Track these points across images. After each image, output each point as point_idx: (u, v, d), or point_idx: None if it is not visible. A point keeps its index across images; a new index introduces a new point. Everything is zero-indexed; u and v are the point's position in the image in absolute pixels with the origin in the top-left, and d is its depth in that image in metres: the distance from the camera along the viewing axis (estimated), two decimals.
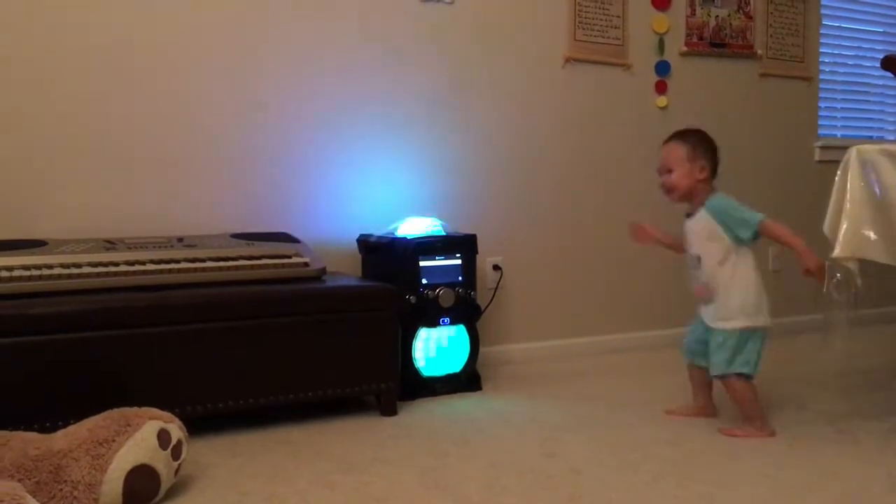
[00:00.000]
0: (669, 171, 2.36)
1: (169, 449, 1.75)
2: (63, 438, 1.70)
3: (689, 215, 2.39)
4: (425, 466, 2.02)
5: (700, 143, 2.38)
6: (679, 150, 2.36)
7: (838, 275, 2.18)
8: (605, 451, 2.13)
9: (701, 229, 2.34)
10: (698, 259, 2.34)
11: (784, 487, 1.88)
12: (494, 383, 2.86)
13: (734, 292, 2.31)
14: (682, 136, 2.40)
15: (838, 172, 2.28)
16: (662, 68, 3.59)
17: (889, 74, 3.82)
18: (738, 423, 2.32)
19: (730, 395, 2.34)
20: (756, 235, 2.29)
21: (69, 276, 2.16)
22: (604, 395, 2.72)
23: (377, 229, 2.90)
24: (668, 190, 2.37)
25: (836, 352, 3.01)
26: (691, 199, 2.37)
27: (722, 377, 2.32)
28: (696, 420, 2.42)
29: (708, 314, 2.35)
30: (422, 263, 2.70)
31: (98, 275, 2.19)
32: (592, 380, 2.95)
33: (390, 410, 2.48)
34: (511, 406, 2.56)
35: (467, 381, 2.79)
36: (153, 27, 2.66)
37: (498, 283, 3.17)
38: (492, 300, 3.13)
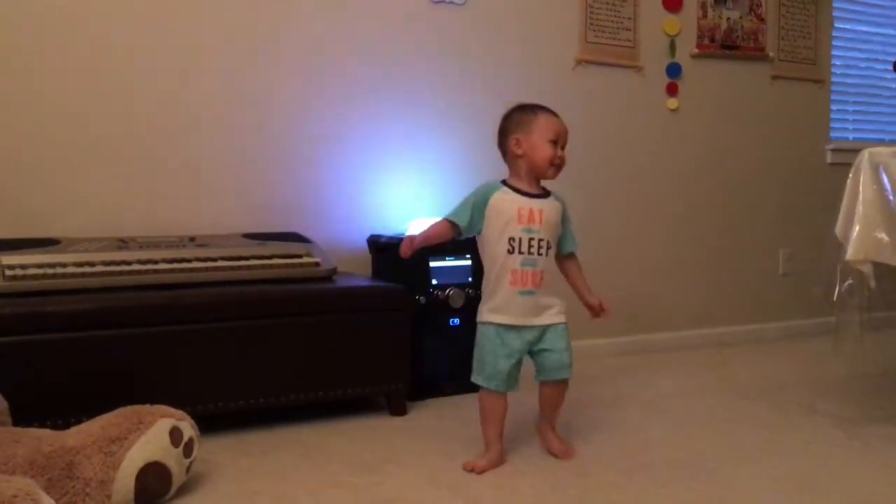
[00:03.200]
0: (563, 148, 2.11)
1: (181, 447, 1.76)
2: (76, 435, 1.71)
3: (526, 193, 2.08)
4: (436, 467, 2.02)
5: None
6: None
7: (850, 278, 2.17)
8: (614, 454, 2.13)
9: (553, 214, 2.10)
10: (547, 244, 2.06)
11: (794, 491, 1.87)
12: None
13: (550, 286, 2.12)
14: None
15: (850, 175, 2.27)
16: (673, 70, 3.59)
17: None
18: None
19: (560, 398, 2.16)
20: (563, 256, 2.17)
21: (82, 275, 2.17)
22: (614, 398, 2.72)
23: (388, 229, 2.92)
24: (561, 167, 2.11)
25: (848, 355, 3.00)
26: (536, 180, 2.13)
27: (566, 380, 2.13)
28: (705, 423, 2.42)
29: (548, 311, 2.08)
30: (432, 264, 2.71)
31: (111, 273, 2.21)
32: (602, 382, 2.95)
33: (400, 410, 2.48)
34: (520, 407, 2.55)
35: None
36: (166, 29, 2.67)
37: None
38: None
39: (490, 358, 2.05)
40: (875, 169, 2.21)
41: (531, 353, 2.10)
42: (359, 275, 2.80)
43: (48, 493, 1.45)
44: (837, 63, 4.13)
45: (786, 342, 3.75)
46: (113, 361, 2.08)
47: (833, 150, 4.04)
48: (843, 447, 2.20)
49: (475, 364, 2.09)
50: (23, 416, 1.85)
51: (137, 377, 2.09)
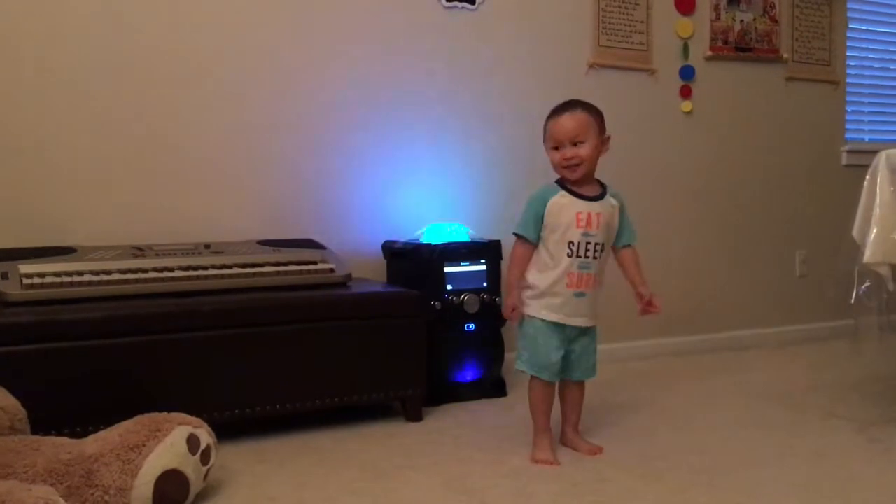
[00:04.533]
0: (576, 143, 2.08)
1: (198, 454, 1.76)
2: (94, 443, 1.71)
3: (583, 196, 2.11)
4: (452, 473, 2.02)
5: (601, 116, 2.15)
6: (589, 120, 2.10)
7: (868, 281, 2.16)
8: (631, 459, 2.12)
9: (608, 215, 2.12)
10: (602, 247, 2.11)
11: (814, 496, 1.85)
12: (519, 389, 2.85)
13: (601, 289, 2.18)
14: (586, 106, 2.13)
15: (867, 177, 2.26)
16: (687, 73, 3.58)
17: None
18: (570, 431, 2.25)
19: (582, 397, 2.24)
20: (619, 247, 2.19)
21: (99, 283, 2.19)
22: (632, 402, 2.71)
23: (402, 235, 2.92)
24: (577, 164, 2.07)
25: (866, 358, 2.98)
26: (587, 177, 2.13)
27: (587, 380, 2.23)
28: (723, 428, 2.40)
29: (585, 314, 2.13)
30: (446, 269, 2.71)
31: (127, 281, 2.23)
32: (618, 386, 2.93)
33: (416, 416, 2.48)
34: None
35: (492, 387, 2.79)
36: (178, 37, 2.68)
37: None
38: None
39: (543, 350, 2.11)
40: (892, 171, 2.20)
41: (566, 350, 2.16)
42: (373, 281, 2.80)
43: (67, 501, 1.46)
44: (852, 64, 4.10)
45: (803, 345, 3.72)
46: (129, 369, 2.09)
47: (849, 152, 4.01)
48: (863, 450, 2.18)
49: (525, 354, 2.15)
50: (41, 425, 1.87)
51: (154, 385, 2.10)
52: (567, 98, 2.21)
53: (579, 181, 2.11)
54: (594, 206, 2.11)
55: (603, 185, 2.18)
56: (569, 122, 2.10)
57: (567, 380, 2.21)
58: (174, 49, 2.68)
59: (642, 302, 2.19)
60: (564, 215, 2.09)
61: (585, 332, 2.16)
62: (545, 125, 2.16)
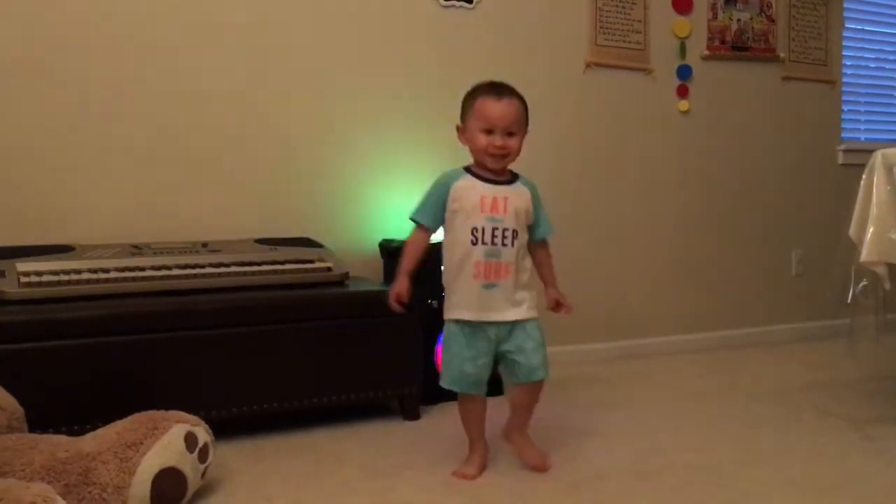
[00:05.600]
0: (510, 133, 1.95)
1: (196, 452, 1.76)
2: (91, 441, 1.72)
3: (489, 180, 1.97)
4: (449, 471, 2.01)
5: (527, 108, 2.02)
6: (520, 111, 1.97)
7: (865, 280, 2.16)
8: (628, 458, 2.12)
9: (520, 202, 1.97)
10: (513, 233, 1.95)
11: (811, 494, 1.86)
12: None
13: (529, 278, 2.01)
14: (514, 93, 1.99)
15: (863, 176, 2.27)
16: (684, 72, 3.58)
17: None
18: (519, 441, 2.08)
19: (534, 401, 2.05)
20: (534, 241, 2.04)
21: (97, 281, 2.19)
22: (626, 401, 2.71)
23: (399, 234, 2.91)
24: (505, 156, 1.95)
25: (862, 357, 2.99)
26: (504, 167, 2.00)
27: (541, 381, 2.00)
28: (719, 426, 2.41)
29: (517, 308, 1.96)
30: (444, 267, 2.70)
31: (125, 280, 2.22)
32: (614, 385, 2.94)
33: (413, 415, 2.48)
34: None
35: (489, 385, 2.78)
36: (176, 32, 2.68)
37: None
38: None
39: (455, 361, 1.96)
40: (888, 170, 2.21)
41: (498, 354, 1.99)
42: (370, 279, 2.80)
43: (65, 499, 1.45)
44: (848, 63, 4.11)
45: (798, 344, 3.73)
46: (127, 367, 2.09)
47: (845, 151, 4.02)
48: (858, 449, 2.19)
49: (442, 366, 2.01)
50: (38, 423, 1.87)
51: (152, 383, 2.10)
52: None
53: (485, 168, 1.98)
54: (501, 190, 1.96)
55: (514, 174, 2.03)
56: (508, 108, 1.95)
57: (514, 382, 2.06)
58: (171, 48, 2.67)
59: (549, 304, 2.06)
60: (468, 199, 1.95)
61: (516, 327, 1.96)
62: (472, 102, 1.99)
